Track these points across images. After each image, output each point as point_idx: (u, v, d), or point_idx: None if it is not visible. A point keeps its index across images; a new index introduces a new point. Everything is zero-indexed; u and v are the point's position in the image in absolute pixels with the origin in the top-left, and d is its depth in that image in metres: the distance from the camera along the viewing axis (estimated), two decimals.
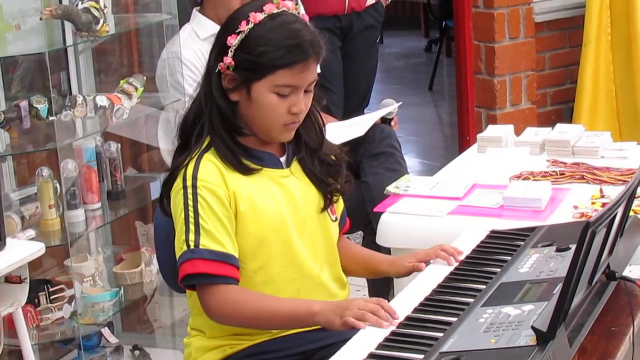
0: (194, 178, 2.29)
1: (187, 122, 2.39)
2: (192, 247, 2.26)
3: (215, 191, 2.29)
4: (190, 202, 2.28)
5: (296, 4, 2.40)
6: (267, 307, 2.29)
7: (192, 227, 2.27)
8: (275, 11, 2.32)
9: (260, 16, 2.30)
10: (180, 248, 2.29)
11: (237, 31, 2.30)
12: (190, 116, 2.39)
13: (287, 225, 2.37)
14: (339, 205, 2.55)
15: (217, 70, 2.34)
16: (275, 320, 2.31)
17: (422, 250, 2.47)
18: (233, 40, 2.31)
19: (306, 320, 2.26)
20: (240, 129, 2.37)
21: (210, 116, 2.34)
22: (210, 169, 2.31)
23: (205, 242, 2.26)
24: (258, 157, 2.37)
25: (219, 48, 2.35)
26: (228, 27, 2.35)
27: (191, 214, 2.27)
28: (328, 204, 2.46)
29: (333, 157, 2.50)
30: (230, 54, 2.31)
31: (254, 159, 2.36)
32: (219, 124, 2.34)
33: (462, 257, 2.42)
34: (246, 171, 2.34)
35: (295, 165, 2.44)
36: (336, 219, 2.51)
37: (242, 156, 2.34)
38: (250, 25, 2.30)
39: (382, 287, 3.70)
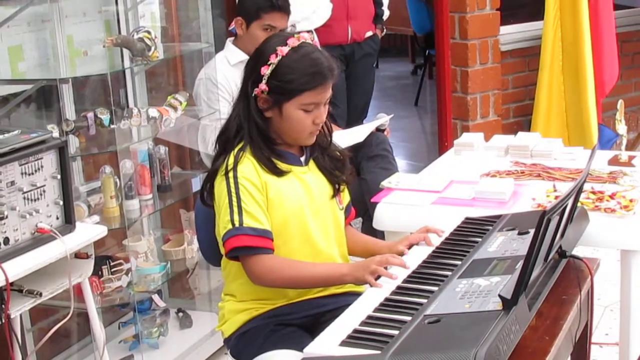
0: (235, 170, 2.30)
1: (229, 135, 2.38)
2: (237, 225, 2.26)
3: (252, 180, 2.30)
4: (232, 189, 2.28)
5: (311, 32, 2.39)
6: (303, 271, 2.30)
7: (235, 209, 2.26)
8: (297, 43, 2.32)
9: (286, 49, 2.30)
10: (224, 227, 2.28)
11: (269, 63, 2.30)
12: (232, 131, 2.37)
13: (304, 211, 2.38)
14: (345, 197, 2.54)
15: (253, 95, 2.33)
16: (311, 281, 2.33)
17: (412, 234, 2.47)
18: (266, 71, 2.30)
19: (338, 281, 2.30)
20: (274, 140, 2.37)
21: (249, 131, 2.34)
22: (247, 163, 2.32)
23: (248, 221, 2.26)
24: (285, 157, 2.38)
25: (253, 77, 2.33)
26: (259, 58, 2.33)
27: (234, 198, 2.27)
28: (336, 192, 2.47)
29: (338, 154, 2.51)
30: (263, 81, 2.31)
31: (282, 158, 2.37)
32: (257, 137, 2.34)
33: (442, 237, 2.42)
34: (279, 174, 2.34)
35: (311, 164, 2.45)
36: (342, 208, 2.51)
37: (274, 157, 2.35)
38: (279, 58, 2.29)
39: None
